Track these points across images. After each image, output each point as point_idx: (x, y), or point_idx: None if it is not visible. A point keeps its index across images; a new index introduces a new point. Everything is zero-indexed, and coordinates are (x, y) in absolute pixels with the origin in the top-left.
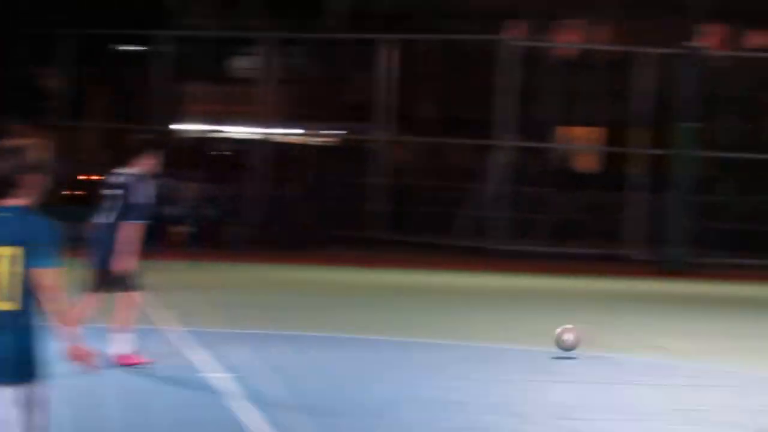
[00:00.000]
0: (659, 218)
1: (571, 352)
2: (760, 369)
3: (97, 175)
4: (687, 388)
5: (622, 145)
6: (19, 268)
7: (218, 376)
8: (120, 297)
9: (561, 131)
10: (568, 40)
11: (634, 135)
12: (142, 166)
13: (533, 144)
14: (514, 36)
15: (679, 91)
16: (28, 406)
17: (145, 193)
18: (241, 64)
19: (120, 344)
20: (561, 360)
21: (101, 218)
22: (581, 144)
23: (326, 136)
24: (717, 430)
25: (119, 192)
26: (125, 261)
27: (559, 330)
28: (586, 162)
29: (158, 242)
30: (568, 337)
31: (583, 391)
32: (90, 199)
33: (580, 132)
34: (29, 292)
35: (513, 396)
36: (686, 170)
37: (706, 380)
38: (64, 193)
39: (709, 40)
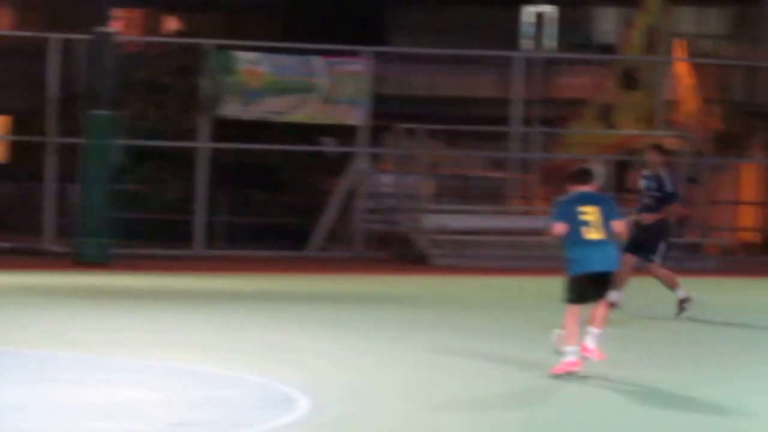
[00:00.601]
0: (74, 209)
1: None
2: (177, 362)
3: None
4: (104, 382)
5: (33, 133)
6: None
7: None
8: None
9: None
10: None
11: (46, 123)
12: None
13: None
14: None
15: (91, 78)
16: None
17: None
18: None
19: None
20: None
21: None
22: None
23: None
24: (133, 424)
25: None
26: None
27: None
28: None
29: None
30: None
31: None
32: None
33: None
34: None
35: None
36: (100, 160)
37: (122, 374)
38: None
39: (124, 24)
